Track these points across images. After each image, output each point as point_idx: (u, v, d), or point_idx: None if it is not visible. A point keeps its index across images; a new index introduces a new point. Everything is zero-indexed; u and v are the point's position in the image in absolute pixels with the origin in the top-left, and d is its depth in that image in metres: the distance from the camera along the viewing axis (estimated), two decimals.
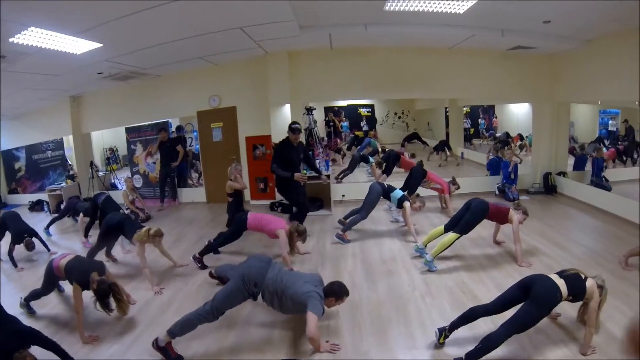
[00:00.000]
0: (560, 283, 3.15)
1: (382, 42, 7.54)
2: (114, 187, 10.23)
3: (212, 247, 5.47)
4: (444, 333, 3.44)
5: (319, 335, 3.44)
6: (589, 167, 8.13)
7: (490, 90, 8.24)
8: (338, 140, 12.77)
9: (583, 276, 3.25)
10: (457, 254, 5.28)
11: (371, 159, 9.83)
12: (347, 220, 6.40)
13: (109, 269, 4.29)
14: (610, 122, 9.55)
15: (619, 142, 8.95)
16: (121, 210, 6.54)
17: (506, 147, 8.77)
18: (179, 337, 3.48)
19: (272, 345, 3.65)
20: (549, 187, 7.71)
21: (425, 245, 5.27)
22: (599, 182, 7.27)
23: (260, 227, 5.28)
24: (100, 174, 10.26)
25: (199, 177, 9.93)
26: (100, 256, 5.41)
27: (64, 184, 9.44)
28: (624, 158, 8.62)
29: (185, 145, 9.79)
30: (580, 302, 3.39)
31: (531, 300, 3.10)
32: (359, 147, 11.37)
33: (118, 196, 7.94)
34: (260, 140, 8.68)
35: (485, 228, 5.53)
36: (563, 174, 7.83)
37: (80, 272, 3.85)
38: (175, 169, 8.98)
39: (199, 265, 5.36)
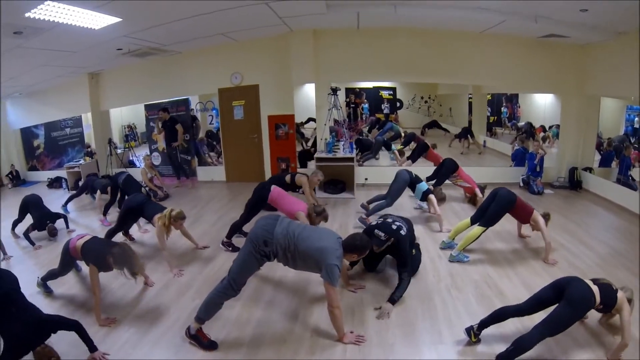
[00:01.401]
0: (595, 289, 3.07)
1: (410, 24, 7.36)
2: (132, 164, 10.22)
3: (237, 227, 5.41)
4: (472, 332, 3.37)
5: (339, 305, 3.34)
6: (614, 164, 7.97)
7: (518, 79, 7.99)
8: (359, 122, 12.62)
9: (614, 287, 3.18)
10: (482, 247, 5.19)
11: (393, 146, 9.72)
12: (371, 205, 6.35)
13: None
14: (636, 119, 9.26)
15: None
16: (142, 189, 6.54)
17: (533, 139, 8.59)
18: (207, 320, 3.43)
19: (293, 335, 3.59)
20: (574, 183, 7.52)
21: (453, 239, 5.20)
22: (626, 180, 7.08)
23: (281, 205, 5.19)
24: (119, 151, 10.25)
25: (218, 156, 9.86)
26: (118, 236, 5.41)
27: (82, 161, 9.44)
28: None
29: (195, 121, 9.68)
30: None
31: (566, 302, 3.02)
32: (380, 130, 11.23)
33: (136, 174, 7.95)
34: (283, 120, 8.55)
35: (509, 221, 5.40)
36: (589, 169, 7.63)
37: (97, 253, 3.77)
38: (177, 148, 8.89)
39: (230, 249, 5.31)
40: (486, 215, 4.88)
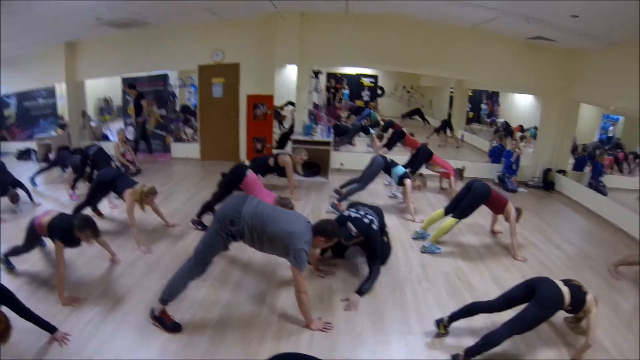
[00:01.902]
0: (565, 290, 3.06)
1: (400, 11, 7.16)
2: (105, 138, 9.77)
3: (208, 206, 5.21)
4: (441, 324, 3.31)
5: (306, 290, 3.22)
6: (587, 169, 8.08)
7: (502, 77, 7.94)
8: (338, 106, 12.43)
9: (584, 290, 3.17)
10: (455, 239, 5.14)
11: (372, 130, 9.59)
12: (343, 190, 6.22)
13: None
14: (610, 127, 9.42)
15: (618, 150, 8.83)
16: (112, 163, 6.24)
17: (511, 137, 8.60)
18: (172, 301, 3.24)
19: (260, 319, 3.46)
20: (547, 183, 7.57)
21: (426, 230, 5.13)
22: (597, 185, 7.18)
23: (251, 192, 4.99)
24: (93, 124, 9.80)
25: (194, 132, 9.55)
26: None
27: (53, 133, 8.98)
28: (622, 166, 8.52)
29: (173, 97, 9.36)
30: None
31: (536, 303, 3.00)
32: (358, 116, 11.09)
33: (109, 148, 7.51)
34: (262, 100, 8.33)
35: (483, 215, 5.43)
36: (563, 172, 7.69)
37: (64, 229, 3.54)
38: (141, 124, 8.48)
39: (200, 227, 5.12)
40: (460, 207, 4.81)
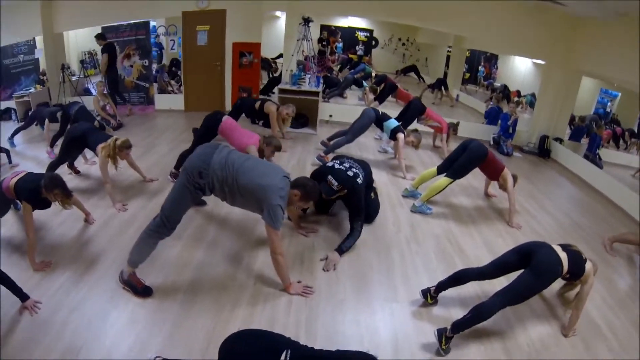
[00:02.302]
0: (563, 256, 2.68)
1: None
2: (87, 92, 8.97)
3: (185, 157, 4.65)
4: (428, 295, 2.97)
5: (282, 251, 2.86)
6: (583, 141, 7.70)
7: (505, 39, 7.34)
8: (330, 58, 11.73)
9: (584, 257, 2.81)
10: (446, 200, 4.76)
11: (365, 83, 9.04)
12: (331, 142, 5.75)
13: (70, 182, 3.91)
14: (609, 103, 9.01)
15: (614, 126, 8.46)
16: (95, 122, 5.71)
17: (508, 101, 8.13)
18: (141, 263, 2.91)
19: (235, 282, 3.10)
20: (543, 150, 7.17)
21: (417, 188, 4.72)
22: (593, 158, 6.82)
23: (231, 137, 4.58)
24: (74, 78, 8.98)
25: (179, 85, 8.80)
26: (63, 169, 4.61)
27: (32, 90, 8.10)
28: (619, 141, 8.15)
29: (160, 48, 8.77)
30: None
31: (531, 270, 2.64)
32: (351, 70, 10.49)
33: (90, 102, 7.00)
34: (248, 48, 7.72)
35: (476, 177, 5.07)
36: (560, 140, 7.30)
37: (31, 190, 3.17)
38: (106, 77, 7.73)
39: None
40: (454, 167, 4.40)
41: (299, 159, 5.74)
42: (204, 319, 2.72)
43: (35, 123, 5.98)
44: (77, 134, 4.30)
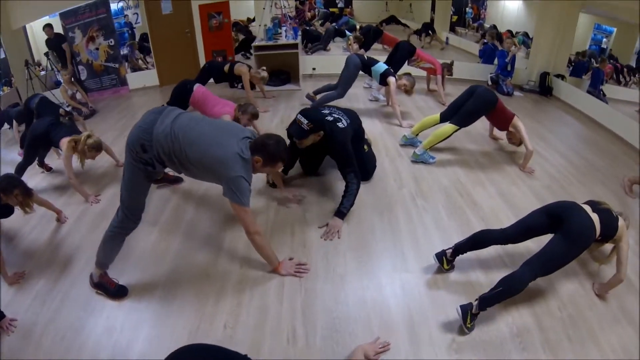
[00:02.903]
0: (595, 218, 2.20)
1: None
2: (58, 85, 8.08)
3: None
4: (444, 258, 2.44)
5: (257, 229, 2.31)
6: (583, 79, 7.03)
7: None
8: (308, 12, 10.80)
9: (615, 214, 2.32)
10: (450, 146, 4.14)
11: (348, 33, 8.21)
12: (319, 96, 5.06)
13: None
14: (604, 39, 8.31)
15: (612, 61, 7.80)
16: (61, 110, 4.91)
17: (502, 41, 7.37)
18: (110, 263, 2.46)
19: (218, 267, 2.59)
20: (544, 88, 6.47)
21: (416, 135, 4.10)
22: (597, 94, 6.19)
23: (204, 108, 4.01)
24: (43, 73, 8.05)
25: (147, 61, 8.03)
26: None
27: (0, 92, 7.31)
28: (621, 77, 7.51)
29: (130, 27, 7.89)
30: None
31: (564, 237, 2.17)
32: (333, 23, 9.64)
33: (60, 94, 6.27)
34: (216, 8, 6.84)
35: (481, 121, 4.36)
36: (562, 77, 6.61)
37: None
38: (72, 72, 6.98)
39: None
40: (461, 113, 3.80)
41: (282, 117, 5.08)
42: (186, 316, 2.24)
43: (7, 126, 5.35)
44: (39, 131, 3.73)
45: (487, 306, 2.08)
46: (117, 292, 2.42)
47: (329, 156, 3.24)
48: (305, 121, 2.83)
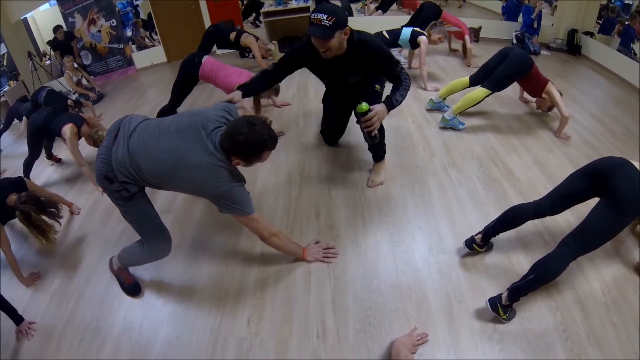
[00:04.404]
0: None
1: None
2: (64, 73, 7.68)
3: (166, 113, 3.74)
4: (474, 245, 2.09)
5: (273, 231, 1.96)
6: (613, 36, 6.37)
7: None
8: None
9: None
10: (479, 110, 3.69)
11: None
12: None
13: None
14: None
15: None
16: (69, 101, 4.62)
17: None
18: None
19: (237, 259, 2.29)
20: (573, 46, 5.85)
21: (444, 99, 3.67)
22: (629, 53, 5.58)
23: (215, 79, 3.59)
24: (48, 62, 7.58)
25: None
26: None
27: (6, 87, 6.90)
28: None
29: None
30: None
31: (609, 202, 1.71)
32: None
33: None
34: None
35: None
36: (591, 34, 5.99)
37: None
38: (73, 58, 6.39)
39: None
40: (494, 76, 3.34)
41: (297, 86, 4.62)
42: (206, 313, 2.02)
43: (17, 120, 5.08)
44: (37, 124, 3.42)
45: (519, 297, 1.76)
46: (131, 289, 2.21)
47: (362, 75, 2.51)
48: (324, 16, 2.13)
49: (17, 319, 2.14)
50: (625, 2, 7.44)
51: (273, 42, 5.07)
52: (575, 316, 1.83)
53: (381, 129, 2.56)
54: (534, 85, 3.46)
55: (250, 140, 1.62)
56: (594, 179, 1.83)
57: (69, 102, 4.49)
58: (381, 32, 4.33)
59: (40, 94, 4.63)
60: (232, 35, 4.82)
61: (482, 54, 5.17)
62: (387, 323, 1.80)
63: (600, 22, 6.60)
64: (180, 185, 1.78)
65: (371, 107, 2.19)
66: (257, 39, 4.89)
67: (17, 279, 2.47)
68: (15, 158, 4.28)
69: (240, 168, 1.79)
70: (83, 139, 3.32)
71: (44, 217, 2.33)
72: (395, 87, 2.31)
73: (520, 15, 6.22)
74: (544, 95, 3.44)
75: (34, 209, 2.29)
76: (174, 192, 2.24)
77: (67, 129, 3.21)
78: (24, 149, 3.98)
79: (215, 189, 1.70)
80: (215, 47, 5.37)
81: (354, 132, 3.19)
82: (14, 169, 3.92)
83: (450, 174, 2.80)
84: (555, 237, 2.18)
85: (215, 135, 1.71)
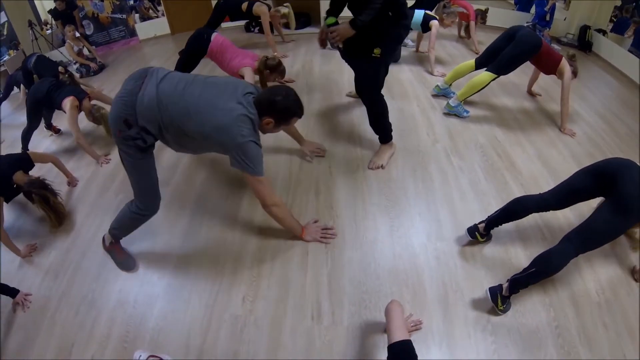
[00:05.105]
0: None
1: None
2: (64, 42, 7.43)
3: None
4: (476, 234, 2.07)
5: (276, 201, 1.95)
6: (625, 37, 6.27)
7: None
8: None
9: None
10: (485, 100, 3.65)
11: None
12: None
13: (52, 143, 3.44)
14: None
15: None
16: (60, 68, 4.54)
17: None
18: (123, 237, 2.21)
19: (234, 235, 2.26)
20: (584, 43, 5.76)
21: (450, 85, 3.60)
22: (639, 54, 5.51)
23: (221, 60, 3.50)
24: (49, 32, 7.30)
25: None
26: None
27: (6, 57, 6.71)
28: None
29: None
30: None
31: (615, 203, 1.70)
32: None
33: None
34: None
35: (517, 73, 3.83)
36: (603, 32, 5.91)
37: None
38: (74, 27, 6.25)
39: None
40: (500, 59, 3.25)
41: (303, 62, 4.53)
42: (202, 289, 2.02)
43: (17, 90, 4.97)
44: (39, 95, 3.35)
45: (519, 288, 1.77)
46: (124, 264, 2.20)
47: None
48: None
49: (11, 292, 2.12)
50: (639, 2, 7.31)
51: (285, 4, 4.90)
52: (568, 314, 1.83)
53: (383, 109, 2.56)
54: (547, 62, 3.34)
55: (286, 103, 1.82)
56: (600, 179, 1.81)
57: (60, 69, 4.38)
58: None
59: (30, 60, 4.54)
60: (244, 6, 4.66)
61: (490, 42, 5.04)
62: (382, 307, 1.75)
63: (615, 20, 6.53)
64: (205, 132, 1.74)
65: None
66: (269, 8, 4.74)
67: (12, 252, 2.44)
68: (14, 128, 4.19)
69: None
70: (83, 112, 3.26)
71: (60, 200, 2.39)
72: (363, 10, 2.23)
73: (533, 7, 6.08)
74: (557, 73, 3.35)
75: (51, 193, 2.37)
76: (176, 159, 2.17)
77: (68, 102, 3.17)
78: (22, 119, 3.91)
79: (236, 137, 1.72)
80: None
81: (358, 110, 3.13)
82: (12, 139, 3.86)
83: (452, 161, 2.77)
84: (554, 232, 2.19)
85: (248, 97, 1.80)
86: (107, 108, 3.40)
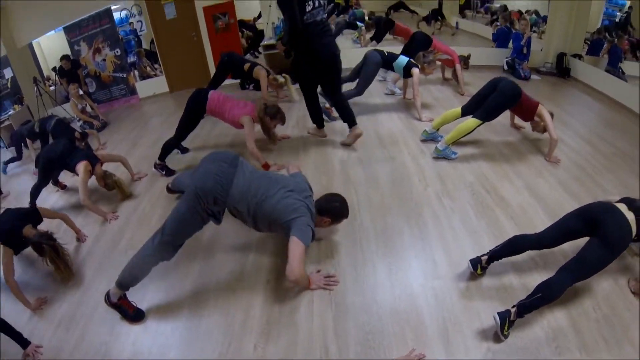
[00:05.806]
0: (631, 218, 2.07)
1: None
2: (68, 99, 7.95)
3: (170, 146, 3.91)
4: (479, 266, 2.29)
5: (303, 273, 2.21)
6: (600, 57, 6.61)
7: None
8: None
9: None
10: (472, 138, 3.87)
11: (360, 24, 7.89)
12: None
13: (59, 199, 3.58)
14: (617, 13, 7.78)
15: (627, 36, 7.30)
16: (76, 133, 4.75)
17: (521, 17, 6.99)
18: (133, 286, 2.31)
19: (244, 283, 2.45)
20: (562, 69, 6.14)
21: (437, 130, 3.90)
22: (616, 72, 5.81)
23: (222, 112, 3.77)
24: (52, 88, 7.79)
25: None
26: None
27: (11, 111, 7.09)
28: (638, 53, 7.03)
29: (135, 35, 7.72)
30: None
31: (601, 241, 2.05)
32: (341, 14, 9.30)
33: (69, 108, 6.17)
34: (221, 9, 6.56)
35: None
36: (579, 56, 6.26)
37: (6, 231, 2.58)
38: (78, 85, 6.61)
39: (163, 172, 3.89)
40: (485, 107, 3.56)
41: (297, 118, 4.85)
42: (214, 338, 2.14)
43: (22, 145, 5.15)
44: (53, 155, 3.59)
45: (525, 313, 1.96)
46: (135, 316, 2.32)
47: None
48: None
49: (23, 342, 2.22)
50: (615, 20, 7.72)
51: (284, 75, 5.33)
52: (567, 332, 2.00)
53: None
54: (525, 110, 3.68)
55: (342, 209, 2.48)
56: (587, 221, 2.17)
57: (76, 134, 4.62)
58: (383, 50, 4.66)
59: (49, 123, 4.76)
60: (246, 66, 5.02)
61: (475, 82, 5.44)
62: (386, 346, 1.95)
63: (589, 43, 6.89)
64: (276, 210, 2.22)
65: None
66: (268, 73, 5.13)
67: (22, 304, 2.53)
68: (19, 181, 4.47)
69: None
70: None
71: (66, 252, 2.56)
72: None
73: (511, 42, 6.50)
74: (535, 118, 3.66)
75: (59, 244, 2.53)
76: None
77: (82, 166, 3.39)
78: (27, 175, 4.15)
79: (303, 217, 2.22)
80: None
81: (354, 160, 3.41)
82: (16, 193, 4.14)
83: (444, 203, 2.99)
84: (546, 259, 2.40)
85: (310, 200, 2.40)
86: (118, 173, 3.74)
